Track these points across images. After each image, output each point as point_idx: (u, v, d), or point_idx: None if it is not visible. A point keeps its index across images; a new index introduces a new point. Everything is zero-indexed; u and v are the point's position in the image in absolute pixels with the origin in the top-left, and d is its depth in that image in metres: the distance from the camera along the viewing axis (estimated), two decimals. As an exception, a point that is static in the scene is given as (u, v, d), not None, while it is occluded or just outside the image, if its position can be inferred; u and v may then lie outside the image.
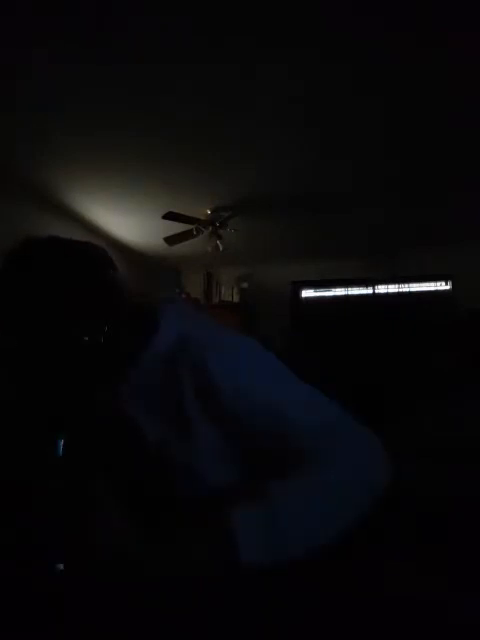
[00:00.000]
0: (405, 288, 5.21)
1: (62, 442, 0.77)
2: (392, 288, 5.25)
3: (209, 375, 0.75)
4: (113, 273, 0.84)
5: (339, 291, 5.43)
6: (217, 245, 4.23)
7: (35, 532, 0.74)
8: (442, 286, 5.09)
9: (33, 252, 0.79)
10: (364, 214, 4.09)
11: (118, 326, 0.80)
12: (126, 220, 4.22)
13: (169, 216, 3.75)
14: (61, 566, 0.69)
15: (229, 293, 5.45)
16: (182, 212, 3.77)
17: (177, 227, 4.02)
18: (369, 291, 5.32)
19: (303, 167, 3.33)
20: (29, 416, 0.83)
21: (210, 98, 2.54)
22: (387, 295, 5.27)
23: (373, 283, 5.28)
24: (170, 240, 4.25)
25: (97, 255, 0.84)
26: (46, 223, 3.78)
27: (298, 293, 5.57)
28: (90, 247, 0.85)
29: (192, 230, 4.06)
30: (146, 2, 1.89)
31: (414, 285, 5.19)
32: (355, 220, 4.20)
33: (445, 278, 5.04)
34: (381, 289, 5.29)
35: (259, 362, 0.81)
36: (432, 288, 5.13)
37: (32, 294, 0.76)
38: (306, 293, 5.57)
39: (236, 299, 5.41)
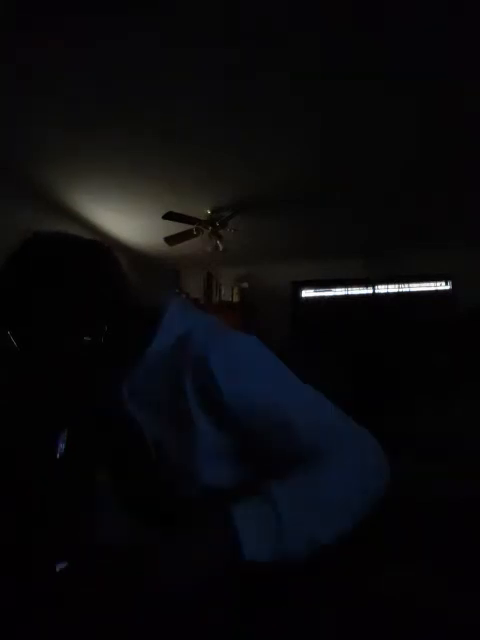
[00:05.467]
0: (405, 288, 5.21)
1: (63, 441, 0.77)
2: (392, 288, 5.25)
3: (210, 375, 0.75)
4: (116, 272, 0.84)
5: (339, 291, 5.43)
6: (217, 245, 4.23)
7: (35, 532, 0.74)
8: (442, 286, 5.09)
9: (36, 250, 0.79)
10: (364, 214, 4.09)
11: (119, 326, 0.80)
12: (126, 220, 4.22)
13: (169, 216, 3.74)
14: (62, 565, 0.69)
15: (229, 293, 5.45)
16: (182, 212, 3.77)
17: (177, 227, 4.02)
18: (369, 291, 5.32)
19: (303, 167, 3.33)
20: (30, 416, 0.83)
21: (210, 98, 2.54)
22: (387, 295, 5.27)
23: (373, 283, 5.27)
24: (170, 240, 4.25)
25: (101, 254, 0.84)
26: (46, 223, 3.78)
27: (298, 293, 5.56)
28: (95, 246, 0.84)
29: (192, 230, 4.06)
30: (145, 4, 1.89)
31: (414, 285, 5.19)
32: (355, 220, 4.20)
33: (445, 278, 5.04)
34: (381, 289, 5.29)
35: (260, 362, 0.81)
36: (432, 288, 5.13)
37: (33, 293, 0.76)
38: (306, 293, 5.57)
39: (236, 299, 5.40)
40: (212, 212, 4.00)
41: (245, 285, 5.46)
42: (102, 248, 0.85)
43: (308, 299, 5.56)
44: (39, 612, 0.65)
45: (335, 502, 0.70)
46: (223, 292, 5.51)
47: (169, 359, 0.79)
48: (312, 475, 0.70)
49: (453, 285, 5.00)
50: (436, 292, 5.10)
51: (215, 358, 0.75)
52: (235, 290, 5.42)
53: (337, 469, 0.71)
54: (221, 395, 0.74)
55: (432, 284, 5.13)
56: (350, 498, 0.71)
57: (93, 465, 0.80)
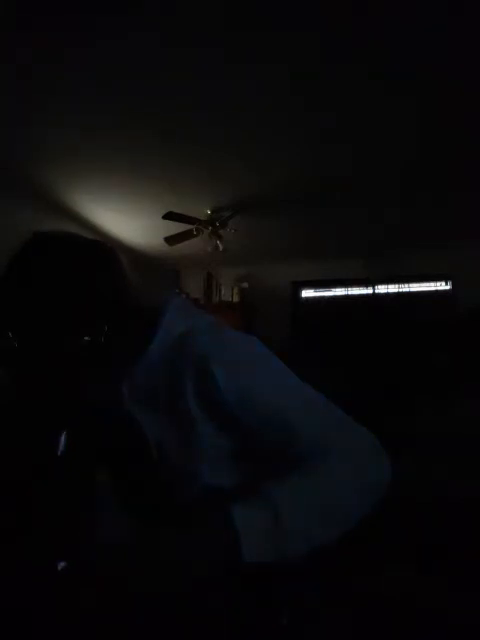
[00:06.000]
0: (405, 288, 5.21)
1: (63, 441, 0.77)
2: (392, 288, 5.25)
3: (210, 375, 0.74)
4: (117, 272, 0.84)
5: (339, 291, 5.43)
6: (217, 245, 4.23)
7: (35, 532, 0.74)
8: (442, 286, 5.09)
9: (36, 250, 0.79)
10: (364, 214, 4.09)
11: (119, 326, 0.80)
12: (126, 220, 4.22)
13: (169, 216, 3.74)
14: (62, 565, 0.69)
15: (229, 293, 5.45)
16: (182, 212, 3.77)
17: (177, 227, 4.02)
18: (369, 291, 5.32)
19: (303, 167, 3.33)
20: (30, 416, 0.82)
21: (210, 98, 2.54)
22: (387, 295, 5.27)
23: (373, 283, 5.27)
24: (170, 240, 4.25)
25: (102, 254, 0.84)
26: (46, 223, 3.78)
27: (298, 293, 5.56)
28: (96, 245, 0.84)
29: (192, 230, 4.06)
30: (145, 4, 1.89)
31: (414, 285, 5.19)
32: (355, 220, 4.20)
33: (445, 278, 5.04)
34: (381, 289, 5.29)
35: (260, 362, 0.81)
36: (432, 288, 5.13)
37: (33, 293, 0.76)
38: (306, 293, 5.56)
39: (236, 299, 5.40)
40: (212, 212, 4.00)
41: (245, 285, 5.46)
42: (103, 248, 0.85)
43: (308, 299, 5.56)
44: (39, 612, 0.65)
45: (335, 503, 0.70)
46: (223, 292, 5.51)
47: (169, 359, 0.79)
48: (312, 476, 0.70)
49: (453, 285, 5.00)
50: (436, 292, 5.10)
51: (216, 358, 0.75)
52: (235, 290, 5.42)
53: (337, 469, 0.71)
54: (221, 395, 0.74)
55: (432, 284, 5.13)
56: (350, 498, 0.71)
57: (93, 465, 0.80)
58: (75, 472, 0.77)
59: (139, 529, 0.72)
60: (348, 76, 2.34)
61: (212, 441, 0.77)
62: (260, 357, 0.81)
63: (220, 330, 0.84)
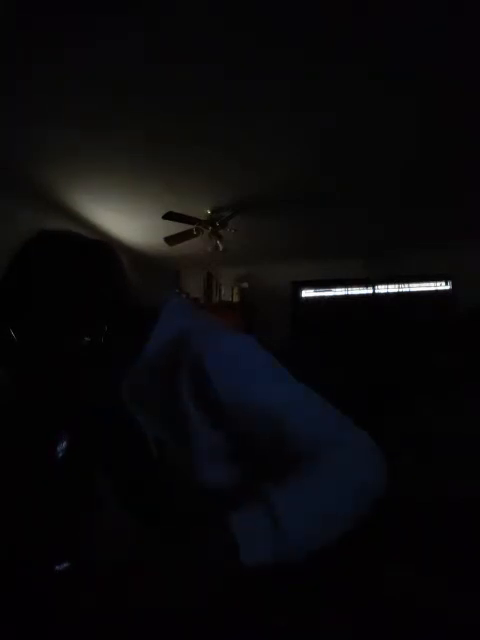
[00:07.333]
0: (405, 288, 5.21)
1: (63, 442, 0.77)
2: (392, 288, 5.25)
3: (206, 374, 0.74)
4: (117, 272, 0.84)
5: (339, 291, 5.43)
6: (217, 245, 4.23)
7: (35, 532, 0.74)
8: (442, 286, 5.09)
9: (37, 250, 0.80)
10: (364, 214, 4.09)
11: (119, 326, 0.80)
12: (126, 220, 4.22)
13: (169, 216, 3.75)
14: (61, 567, 0.69)
15: (229, 293, 5.45)
16: (182, 212, 3.78)
17: (177, 227, 4.02)
18: (369, 291, 5.32)
19: (303, 167, 3.33)
20: (30, 416, 0.82)
21: (210, 98, 2.54)
22: (387, 295, 5.28)
23: (373, 283, 5.28)
24: (170, 240, 4.25)
25: (102, 253, 0.84)
26: (46, 223, 3.76)
27: (298, 293, 5.57)
28: (96, 245, 0.85)
29: (192, 230, 4.06)
30: (145, 4, 1.89)
31: (414, 285, 5.19)
32: (355, 220, 4.20)
33: (445, 278, 5.04)
34: (381, 289, 5.29)
35: (257, 362, 0.81)
36: (432, 288, 5.13)
37: (33, 292, 0.76)
38: (306, 293, 5.57)
39: (236, 299, 5.41)
40: (212, 212, 4.00)
41: (245, 285, 5.47)
42: (103, 247, 0.86)
43: (308, 299, 5.56)
44: (39, 612, 0.65)
45: (333, 504, 0.70)
46: (223, 292, 5.51)
47: (167, 359, 0.79)
48: (310, 476, 0.70)
49: (453, 285, 5.00)
50: (436, 292, 5.11)
51: (212, 358, 0.75)
52: (235, 290, 5.43)
53: (335, 470, 0.71)
54: (217, 395, 0.74)
55: (432, 284, 5.13)
56: (348, 499, 0.71)
57: (93, 465, 0.80)
58: (75, 472, 0.77)
59: (138, 530, 0.72)
60: (348, 76, 2.34)
61: (209, 441, 0.77)
62: (256, 357, 0.81)
63: (217, 330, 0.84)
